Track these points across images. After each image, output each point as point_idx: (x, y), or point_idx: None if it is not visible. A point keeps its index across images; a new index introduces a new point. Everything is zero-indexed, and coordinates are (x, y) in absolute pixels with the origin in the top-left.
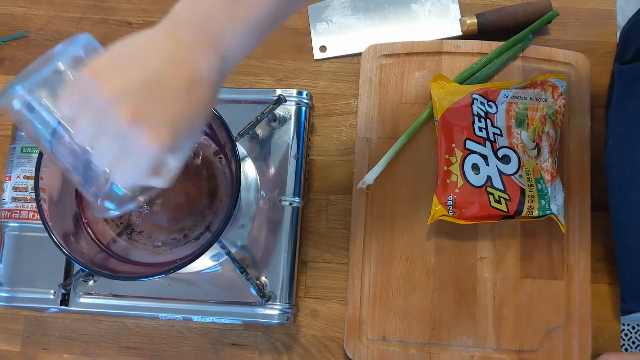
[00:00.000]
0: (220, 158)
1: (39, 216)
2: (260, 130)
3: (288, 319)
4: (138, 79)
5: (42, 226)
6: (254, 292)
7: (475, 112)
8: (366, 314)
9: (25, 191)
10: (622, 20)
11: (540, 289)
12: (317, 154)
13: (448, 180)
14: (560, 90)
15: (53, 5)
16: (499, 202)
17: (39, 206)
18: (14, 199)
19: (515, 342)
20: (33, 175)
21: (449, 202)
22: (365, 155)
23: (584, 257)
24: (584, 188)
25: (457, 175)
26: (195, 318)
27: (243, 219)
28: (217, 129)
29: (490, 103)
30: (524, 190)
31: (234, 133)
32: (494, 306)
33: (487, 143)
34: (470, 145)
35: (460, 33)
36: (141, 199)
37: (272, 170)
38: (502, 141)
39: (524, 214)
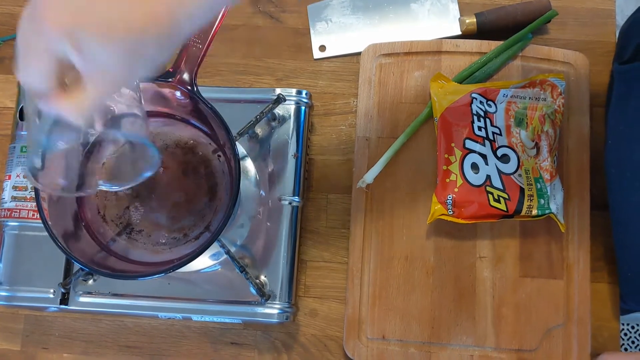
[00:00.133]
0: (219, 157)
1: (38, 215)
2: (259, 130)
3: (287, 318)
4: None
5: (42, 225)
6: (253, 291)
7: (474, 112)
8: (366, 313)
9: (25, 190)
10: (621, 19)
11: (539, 288)
12: (316, 153)
13: (447, 180)
14: (559, 90)
15: None
16: (498, 201)
17: (38, 205)
18: (14, 198)
19: (515, 341)
20: None
21: (448, 201)
22: (364, 154)
23: (583, 257)
24: (583, 187)
25: (457, 175)
26: (195, 317)
27: (242, 218)
28: (217, 128)
29: (489, 102)
30: (523, 189)
31: (234, 132)
32: (493, 305)
33: (487, 142)
34: (470, 144)
35: (460, 32)
36: (62, 144)
37: (271, 170)
38: (501, 140)
39: (523, 213)
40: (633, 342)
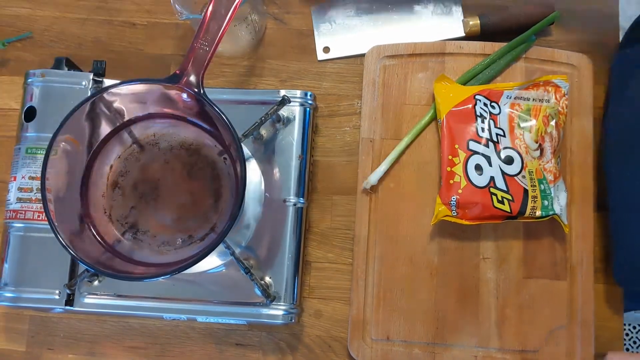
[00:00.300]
0: (225, 159)
1: (44, 216)
2: (264, 131)
3: (292, 319)
4: None
5: (47, 226)
6: (258, 292)
7: (478, 113)
8: (370, 314)
9: (31, 192)
10: (624, 21)
11: (543, 289)
12: (321, 155)
13: (451, 181)
14: (562, 91)
15: (58, 6)
16: (502, 202)
17: (45, 207)
18: (19, 200)
19: (518, 342)
20: (38, 175)
21: (452, 202)
22: (368, 156)
23: (586, 258)
24: (587, 188)
25: (461, 176)
26: (200, 318)
27: (247, 219)
28: (222, 129)
29: (493, 104)
30: (527, 190)
31: (239, 134)
32: (497, 306)
33: (490, 144)
34: (474, 146)
35: (463, 34)
36: None
37: (276, 171)
38: (505, 142)
39: (526, 214)
40: (635, 343)
